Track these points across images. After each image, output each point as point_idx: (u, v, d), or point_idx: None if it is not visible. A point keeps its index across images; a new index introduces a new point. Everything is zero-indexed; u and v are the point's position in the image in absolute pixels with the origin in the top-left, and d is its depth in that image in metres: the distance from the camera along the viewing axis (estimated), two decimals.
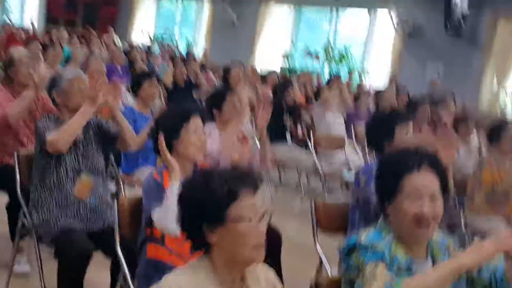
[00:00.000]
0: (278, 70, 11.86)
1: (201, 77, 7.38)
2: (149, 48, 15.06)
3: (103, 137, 3.18)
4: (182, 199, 1.67)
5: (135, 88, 4.34)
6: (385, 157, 2.29)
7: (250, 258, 1.61)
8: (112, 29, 15.49)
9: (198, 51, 14.85)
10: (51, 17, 16.87)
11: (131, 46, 10.83)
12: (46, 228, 2.90)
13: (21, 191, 3.13)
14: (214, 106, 3.68)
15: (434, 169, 1.98)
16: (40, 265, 3.02)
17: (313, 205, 2.97)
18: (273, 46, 13.44)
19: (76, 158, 3.03)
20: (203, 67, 10.49)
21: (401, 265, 1.93)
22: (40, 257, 3.01)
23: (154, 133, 2.68)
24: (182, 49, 14.28)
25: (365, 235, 1.97)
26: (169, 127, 2.63)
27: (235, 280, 1.64)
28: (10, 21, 13.76)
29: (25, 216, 3.07)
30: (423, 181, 1.94)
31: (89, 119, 3.06)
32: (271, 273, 1.78)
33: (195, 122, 2.67)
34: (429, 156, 2.04)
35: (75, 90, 3.12)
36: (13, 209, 3.38)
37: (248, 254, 1.59)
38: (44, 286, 2.98)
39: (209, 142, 3.36)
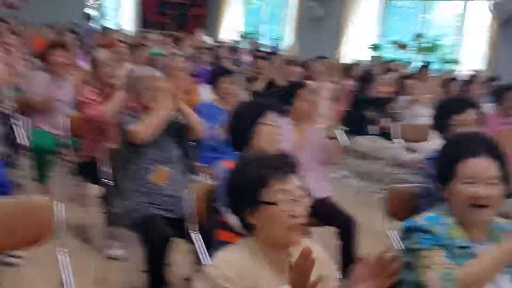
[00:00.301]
0: (367, 62, 11.85)
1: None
2: (236, 44, 15.47)
3: (178, 130, 3.38)
4: (226, 185, 1.82)
5: (215, 84, 4.52)
6: (444, 142, 2.32)
7: (285, 239, 1.71)
8: (201, 30, 16.04)
9: (286, 47, 15.07)
10: (145, 20, 17.68)
11: (218, 44, 11.14)
12: (129, 214, 3.14)
13: (107, 182, 3.41)
14: (287, 101, 3.76)
15: (493, 155, 2.01)
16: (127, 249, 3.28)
17: (386, 193, 3.02)
18: (361, 37, 13.36)
19: (154, 150, 3.25)
20: (290, 62, 10.69)
21: (459, 248, 1.97)
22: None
23: (231, 127, 2.81)
24: (270, 45, 14.53)
25: (422, 218, 2.04)
26: (244, 121, 2.73)
27: (280, 257, 1.74)
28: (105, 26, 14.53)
29: (111, 205, 3.33)
30: (480, 165, 1.99)
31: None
32: (320, 251, 1.86)
33: (271, 117, 2.74)
34: (487, 142, 2.06)
35: (145, 89, 3.33)
36: (103, 198, 3.67)
37: (283, 235, 1.69)
38: (135, 269, 3.23)
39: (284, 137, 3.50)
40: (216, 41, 14.74)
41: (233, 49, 12.94)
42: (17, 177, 4.85)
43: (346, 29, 13.41)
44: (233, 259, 1.69)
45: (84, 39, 9.48)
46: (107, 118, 3.78)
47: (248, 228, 1.77)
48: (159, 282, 2.93)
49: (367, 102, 6.42)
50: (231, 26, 16.90)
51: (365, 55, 12.67)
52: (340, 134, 3.57)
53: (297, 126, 3.71)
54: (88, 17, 14.97)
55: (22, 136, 4.55)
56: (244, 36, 15.82)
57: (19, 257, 3.42)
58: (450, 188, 2.04)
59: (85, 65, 6.10)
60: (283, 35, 15.64)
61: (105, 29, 13.10)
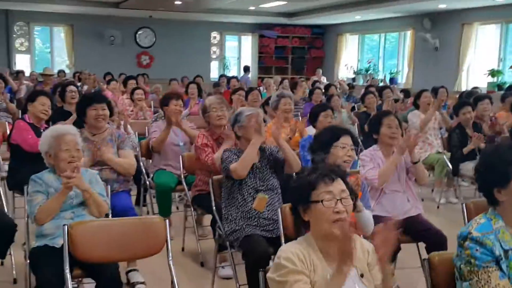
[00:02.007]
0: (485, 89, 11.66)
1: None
2: (353, 80, 15.80)
3: (275, 162, 3.80)
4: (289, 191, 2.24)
5: (312, 119, 4.93)
6: (490, 148, 2.47)
7: (331, 231, 2.08)
8: (319, 70, 16.58)
9: (402, 79, 15.15)
10: (264, 66, 18.60)
11: (330, 83, 11.56)
12: (234, 236, 3.59)
13: (215, 209, 3.90)
14: (373, 130, 4.05)
15: None
16: (234, 268, 3.71)
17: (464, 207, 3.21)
18: (479, 65, 13.12)
19: (255, 180, 3.70)
20: (406, 93, 10.86)
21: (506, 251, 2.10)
22: (233, 261, 3.72)
23: (312, 148, 3.25)
24: (386, 78, 14.68)
25: (476, 226, 2.16)
26: (322, 143, 3.20)
27: (332, 249, 2.09)
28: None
29: (219, 228, 3.81)
30: None
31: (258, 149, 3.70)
32: (366, 242, 2.24)
33: (344, 140, 3.24)
34: None
35: (251, 125, 3.80)
36: (213, 224, 4.15)
37: (328, 228, 2.06)
38: (238, 284, 3.64)
39: (371, 164, 3.82)
40: (333, 81, 15.16)
41: (349, 86, 13.33)
42: (143, 213, 5.57)
43: (463, 58, 13.23)
44: (294, 248, 2.11)
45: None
46: (217, 164, 4.23)
47: (305, 226, 2.20)
48: None
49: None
50: (346, 64, 17.28)
51: (484, 82, 12.44)
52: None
53: (385, 151, 3.97)
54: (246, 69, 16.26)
55: (146, 176, 5.25)
56: (359, 73, 16.15)
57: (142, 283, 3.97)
58: (505, 191, 2.13)
59: None
60: (400, 68, 15.72)
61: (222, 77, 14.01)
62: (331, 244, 2.10)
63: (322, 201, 2.11)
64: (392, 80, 15.07)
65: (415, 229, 3.75)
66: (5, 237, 3.78)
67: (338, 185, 2.16)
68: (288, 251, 2.09)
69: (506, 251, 2.10)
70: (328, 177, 2.15)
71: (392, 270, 2.07)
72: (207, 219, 5.08)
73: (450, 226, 3.79)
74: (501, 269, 2.07)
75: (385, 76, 14.88)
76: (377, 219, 3.54)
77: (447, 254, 2.33)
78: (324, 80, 15.17)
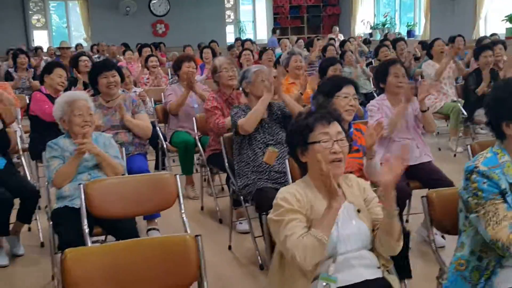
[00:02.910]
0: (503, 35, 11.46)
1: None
2: (370, 35, 15.64)
3: (283, 117, 3.88)
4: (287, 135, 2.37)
5: (321, 73, 4.97)
6: (501, 82, 2.49)
7: (327, 171, 2.10)
8: (336, 28, 16.43)
9: (419, 31, 14.95)
10: (279, 27, 18.47)
11: (344, 40, 11.49)
12: (247, 190, 3.70)
13: (228, 166, 4.02)
14: (379, 79, 4.08)
15: None
16: (249, 221, 3.84)
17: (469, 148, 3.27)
18: (496, 12, 12.86)
19: (264, 135, 3.79)
20: (423, 45, 10.71)
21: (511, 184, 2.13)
22: (248, 215, 3.86)
23: (316, 100, 3.32)
24: (403, 31, 14.51)
25: (482, 160, 2.19)
26: (324, 93, 3.28)
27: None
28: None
29: (233, 184, 3.92)
30: None
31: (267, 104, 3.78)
32: (362, 180, 2.32)
33: (346, 89, 3.29)
34: None
35: (258, 81, 3.88)
36: (227, 181, 4.27)
37: (325, 167, 2.09)
38: (254, 236, 3.77)
39: (379, 114, 3.86)
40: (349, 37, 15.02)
41: (366, 41, 13.20)
42: None
43: (480, 5, 12.98)
44: (291, 189, 2.21)
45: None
46: (227, 127, 4.32)
47: (303, 168, 2.28)
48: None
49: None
50: (363, 19, 17.08)
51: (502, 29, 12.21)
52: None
53: (392, 100, 4.00)
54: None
55: (164, 140, 5.37)
56: (376, 28, 15.96)
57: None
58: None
59: None
60: (417, 21, 15.48)
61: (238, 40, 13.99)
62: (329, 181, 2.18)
63: (319, 141, 2.18)
64: (410, 33, 14.89)
65: (425, 176, 3.81)
66: (29, 204, 3.95)
67: (335, 127, 2.22)
68: (285, 191, 2.18)
69: (511, 185, 2.14)
70: (325, 120, 2.22)
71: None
72: (221, 178, 5.23)
73: None
74: (506, 202, 2.11)
75: (400, 32, 14.67)
76: None
77: (444, 190, 2.40)
78: (340, 37, 15.03)
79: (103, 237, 3.35)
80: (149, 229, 4.17)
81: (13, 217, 3.90)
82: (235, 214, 4.26)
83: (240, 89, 4.20)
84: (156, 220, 4.23)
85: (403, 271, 2.40)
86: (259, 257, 3.72)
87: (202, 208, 4.91)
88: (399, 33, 14.14)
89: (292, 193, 2.16)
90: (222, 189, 5.33)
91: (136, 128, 4.32)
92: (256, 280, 3.58)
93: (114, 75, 4.37)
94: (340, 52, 9.28)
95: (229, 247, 4.03)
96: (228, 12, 18.40)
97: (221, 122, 4.37)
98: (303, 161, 2.27)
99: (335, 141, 2.19)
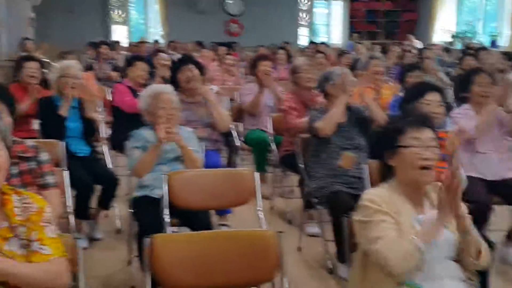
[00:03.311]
0: None
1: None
2: (450, 44, 15.23)
3: (362, 121, 3.86)
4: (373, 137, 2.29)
5: (401, 80, 4.91)
6: None
7: (418, 178, 2.11)
8: (412, 35, 16.10)
9: (503, 42, 14.44)
10: (354, 31, 18.30)
11: (421, 48, 11.24)
12: (321, 192, 3.70)
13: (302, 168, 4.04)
14: (462, 88, 3.98)
15: None
16: (320, 225, 3.85)
17: None
18: None
19: (341, 139, 3.78)
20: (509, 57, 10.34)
21: None
22: (320, 218, 3.87)
23: (402, 106, 3.30)
24: (485, 41, 14.05)
25: None
26: (408, 98, 3.27)
27: (417, 194, 2.15)
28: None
29: (306, 186, 3.94)
30: None
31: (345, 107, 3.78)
32: None
33: (430, 96, 3.25)
34: None
35: (343, 83, 3.88)
36: (300, 183, 4.28)
37: (414, 174, 2.10)
38: (325, 241, 3.77)
39: (465, 120, 3.79)
40: (427, 44, 14.71)
41: (446, 50, 12.88)
42: None
43: None
44: (378, 192, 2.18)
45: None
46: (303, 128, 4.34)
47: (390, 172, 2.23)
48: (343, 251, 3.41)
49: None
50: (443, 28, 16.65)
51: None
52: None
53: (477, 110, 3.91)
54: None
55: (238, 138, 5.45)
56: (456, 36, 15.53)
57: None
58: None
59: None
60: (501, 30, 14.97)
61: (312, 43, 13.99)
62: (416, 190, 2.15)
63: (410, 146, 2.14)
64: (493, 43, 14.39)
65: (509, 192, 3.69)
66: (109, 191, 4.13)
67: (427, 133, 2.17)
68: (372, 193, 2.16)
69: None
70: (417, 124, 2.18)
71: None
72: (293, 179, 5.24)
73: None
74: None
75: (481, 42, 14.22)
76: (470, 180, 3.52)
77: None
78: (418, 44, 14.72)
79: (177, 228, 3.44)
80: (221, 225, 4.24)
81: (90, 204, 4.06)
82: (305, 216, 4.28)
83: (317, 90, 4.20)
84: (227, 216, 4.31)
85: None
86: (328, 261, 3.72)
87: (272, 208, 4.95)
88: (480, 43, 13.68)
89: (378, 195, 2.13)
90: (292, 191, 5.34)
91: (219, 117, 4.34)
92: (324, 283, 3.59)
93: (192, 69, 4.43)
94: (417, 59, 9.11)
95: (299, 249, 4.05)
96: (302, 14, 18.39)
97: (299, 122, 4.38)
98: (390, 164, 2.22)
99: (426, 147, 2.14)
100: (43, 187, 2.68)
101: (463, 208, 2.15)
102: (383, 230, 2.03)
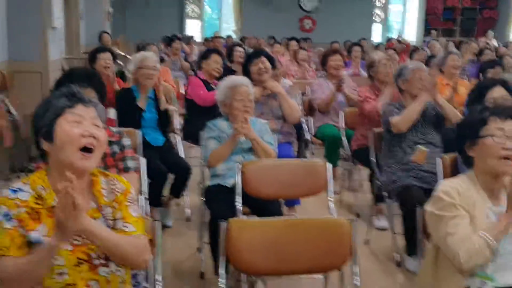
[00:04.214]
0: None
1: None
2: None
3: (437, 117, 3.81)
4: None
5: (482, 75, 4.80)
6: None
7: (497, 168, 2.08)
8: (490, 33, 15.57)
9: None
10: (429, 28, 17.88)
11: (498, 45, 10.87)
12: (392, 186, 3.68)
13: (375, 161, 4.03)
14: None
15: None
16: (389, 218, 3.82)
17: None
18: None
19: (416, 134, 3.75)
20: None
21: None
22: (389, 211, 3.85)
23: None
24: None
25: None
26: (474, 96, 3.30)
27: (495, 185, 2.12)
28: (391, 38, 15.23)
29: (377, 179, 3.91)
30: None
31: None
32: None
33: (495, 90, 3.27)
34: None
35: (416, 79, 3.84)
36: (371, 177, 4.26)
37: (495, 164, 2.07)
38: (393, 233, 3.76)
39: None
40: (506, 42, 14.20)
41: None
42: None
43: None
44: (454, 183, 2.15)
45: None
46: (379, 111, 4.33)
47: (468, 163, 2.22)
48: (413, 244, 3.38)
49: None
50: None
51: None
52: None
53: None
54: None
55: (309, 132, 5.47)
56: None
57: None
58: None
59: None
60: None
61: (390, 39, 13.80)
62: (495, 181, 2.12)
63: (492, 136, 2.11)
64: None
65: None
66: (182, 180, 4.25)
67: (510, 124, 2.14)
68: (447, 185, 2.14)
69: None
70: (502, 115, 2.15)
71: None
72: (361, 174, 5.21)
73: None
74: None
75: None
76: None
77: None
78: (494, 42, 14.22)
79: (247, 217, 3.50)
80: (290, 215, 4.28)
81: (163, 192, 4.19)
82: (374, 210, 4.26)
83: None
84: (295, 208, 4.34)
85: None
86: (396, 254, 3.70)
87: (340, 202, 4.95)
88: None
89: (454, 187, 2.11)
90: (361, 185, 5.32)
91: (288, 106, 4.36)
92: (392, 276, 3.58)
93: (263, 62, 4.47)
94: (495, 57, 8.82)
95: (366, 242, 4.04)
96: (376, 11, 18.14)
97: (374, 107, 4.41)
98: (470, 155, 2.20)
99: (508, 137, 2.10)
100: (125, 170, 2.82)
101: None
102: (455, 226, 2.03)
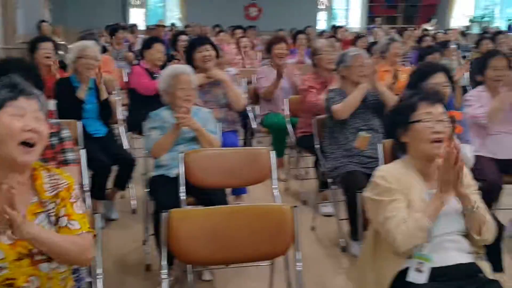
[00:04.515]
0: None
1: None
2: (467, 28, 15.11)
3: (377, 103, 3.87)
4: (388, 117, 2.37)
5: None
6: None
7: (429, 151, 2.14)
8: (433, 20, 15.98)
9: None
10: (372, 16, 18.17)
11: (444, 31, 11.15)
12: (336, 172, 3.73)
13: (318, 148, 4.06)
14: (477, 72, 3.96)
15: None
16: (334, 204, 3.88)
17: None
18: None
19: (356, 120, 3.80)
20: None
21: None
22: (334, 198, 3.91)
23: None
24: (502, 26, 13.92)
25: None
26: (415, 81, 3.28)
27: (429, 169, 2.18)
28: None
29: (322, 166, 3.96)
30: None
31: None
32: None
33: (434, 79, 3.25)
34: None
35: (356, 66, 3.89)
36: (316, 164, 4.31)
37: (426, 147, 2.13)
38: (338, 219, 3.82)
39: (478, 103, 3.78)
40: (445, 29, 14.59)
41: (462, 34, 12.78)
42: None
43: None
44: (391, 168, 2.22)
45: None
46: (322, 106, 4.35)
47: (403, 149, 2.28)
48: (357, 230, 3.43)
49: None
50: (462, 13, 16.52)
51: None
52: None
53: (491, 92, 3.89)
54: None
55: (254, 120, 5.47)
56: (474, 21, 15.39)
57: None
58: None
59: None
60: None
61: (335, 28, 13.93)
62: (429, 164, 2.18)
63: (421, 120, 2.17)
64: (510, 28, 14.25)
65: None
66: (125, 171, 4.17)
67: (438, 108, 2.21)
68: (384, 170, 2.20)
69: None
70: (429, 100, 2.21)
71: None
72: (307, 161, 5.26)
73: None
74: None
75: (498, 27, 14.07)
76: (481, 159, 3.52)
77: None
78: (434, 28, 14.59)
79: (193, 207, 3.47)
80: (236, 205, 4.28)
81: (106, 184, 4.12)
82: (320, 197, 4.30)
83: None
84: (243, 196, 4.34)
85: (494, 264, 2.36)
86: (341, 239, 3.76)
87: (287, 190, 4.98)
88: (498, 28, 13.56)
89: (390, 172, 2.17)
90: (307, 172, 5.37)
91: (233, 94, 4.34)
92: (337, 261, 3.63)
93: (208, 49, 4.41)
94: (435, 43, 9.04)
95: (312, 228, 4.09)
96: None
97: (316, 100, 4.42)
98: (403, 141, 2.26)
99: (437, 121, 2.17)
100: (64, 163, 2.74)
101: (470, 185, 2.16)
102: (393, 210, 2.07)
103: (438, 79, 3.23)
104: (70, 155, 2.81)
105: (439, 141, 2.15)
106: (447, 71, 3.34)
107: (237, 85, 5.61)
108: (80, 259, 1.85)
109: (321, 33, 12.08)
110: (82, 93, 4.14)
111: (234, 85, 4.41)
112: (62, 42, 9.07)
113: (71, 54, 4.28)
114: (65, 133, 2.84)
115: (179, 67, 3.67)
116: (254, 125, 5.44)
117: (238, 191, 4.26)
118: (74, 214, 1.87)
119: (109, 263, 3.54)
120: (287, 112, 5.05)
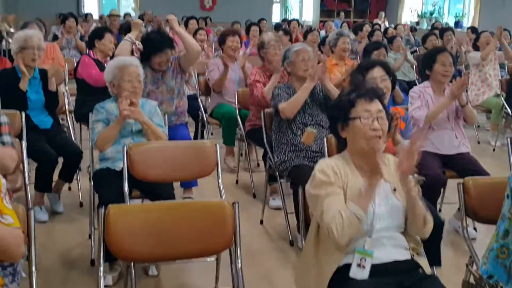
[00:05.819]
0: None
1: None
2: (417, 24, 15.41)
3: (325, 99, 3.90)
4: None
5: (366, 57, 4.96)
6: None
7: (366, 148, 2.18)
8: (382, 13, 16.22)
9: (468, 23, 14.65)
10: (325, 9, 18.32)
11: (387, 27, 11.34)
12: (284, 166, 3.75)
13: (267, 141, 4.10)
14: (425, 66, 4.04)
15: None
16: (283, 198, 3.92)
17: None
18: None
19: (304, 116, 3.82)
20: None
21: None
22: (282, 191, 3.93)
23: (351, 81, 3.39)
24: (451, 22, 14.27)
25: None
26: (356, 76, 3.36)
27: (367, 164, 2.20)
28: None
29: (270, 159, 3.98)
30: None
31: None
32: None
33: (372, 73, 3.32)
34: None
35: (299, 61, 3.91)
36: (264, 157, 4.33)
37: (364, 143, 2.16)
38: (286, 213, 3.85)
39: (419, 101, 3.86)
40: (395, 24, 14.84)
41: (412, 29, 13.00)
42: None
43: None
44: (330, 162, 2.24)
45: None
46: (267, 97, 4.35)
47: (342, 143, 2.31)
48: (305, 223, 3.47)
49: None
50: (410, 7, 16.86)
51: None
52: None
53: (436, 88, 3.99)
54: None
55: (205, 112, 5.45)
56: (423, 16, 15.72)
57: None
58: None
59: None
60: (466, 11, 15.18)
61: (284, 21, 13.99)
62: (366, 160, 2.21)
63: (360, 117, 2.20)
64: (457, 24, 14.62)
65: (462, 166, 3.77)
66: (72, 163, 4.10)
67: (376, 105, 2.24)
68: (323, 163, 2.22)
69: None
70: (367, 96, 2.24)
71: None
72: (259, 153, 5.29)
73: (503, 167, 3.79)
74: None
75: (447, 23, 14.43)
76: (424, 155, 3.60)
77: (481, 179, 2.40)
78: (386, 24, 14.83)
79: (140, 200, 3.45)
80: (185, 198, 4.26)
81: (54, 176, 4.06)
82: (269, 190, 4.33)
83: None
84: (192, 189, 4.33)
85: (433, 258, 2.42)
86: (289, 233, 3.79)
87: (237, 182, 4.99)
88: (446, 24, 13.88)
89: (329, 166, 2.19)
90: (258, 164, 5.39)
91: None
92: (285, 254, 3.65)
93: (167, 54, 4.29)
94: (384, 38, 9.18)
95: (261, 222, 4.11)
96: None
97: (260, 92, 4.44)
98: (343, 136, 2.29)
99: (375, 118, 2.20)
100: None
101: (410, 180, 2.20)
102: (329, 203, 2.10)
103: (376, 73, 3.29)
104: (6, 138, 2.84)
105: (377, 137, 2.19)
106: (384, 64, 3.40)
107: (189, 78, 5.62)
108: (16, 252, 1.83)
109: (277, 26, 12.09)
110: (24, 84, 4.04)
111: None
112: (12, 31, 8.78)
113: (14, 45, 4.16)
114: (2, 118, 2.87)
115: (126, 58, 3.62)
116: (204, 117, 5.43)
117: (188, 184, 4.24)
118: (5, 209, 1.84)
119: (53, 257, 3.48)
120: (236, 104, 5.06)
